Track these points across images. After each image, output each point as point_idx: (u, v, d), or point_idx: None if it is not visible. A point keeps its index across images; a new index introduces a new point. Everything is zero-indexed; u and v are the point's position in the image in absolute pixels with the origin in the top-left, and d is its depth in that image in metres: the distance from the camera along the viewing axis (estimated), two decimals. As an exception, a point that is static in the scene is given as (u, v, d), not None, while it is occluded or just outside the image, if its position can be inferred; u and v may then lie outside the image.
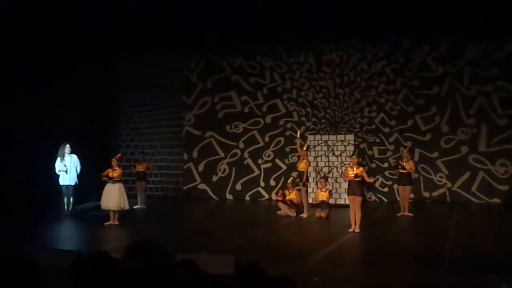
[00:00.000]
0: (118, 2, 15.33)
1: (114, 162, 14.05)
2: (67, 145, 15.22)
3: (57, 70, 16.57)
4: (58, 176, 15.26)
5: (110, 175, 13.88)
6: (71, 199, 15.29)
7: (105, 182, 13.94)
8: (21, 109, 15.49)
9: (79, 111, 17.47)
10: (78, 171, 15.39)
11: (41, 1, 14.25)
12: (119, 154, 15.01)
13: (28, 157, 15.22)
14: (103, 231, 13.45)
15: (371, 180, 13.55)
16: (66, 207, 15.22)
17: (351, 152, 15.60)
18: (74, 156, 15.37)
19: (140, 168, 17.58)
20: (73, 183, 15.28)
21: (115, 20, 16.66)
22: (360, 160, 13.56)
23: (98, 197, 14.46)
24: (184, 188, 20.00)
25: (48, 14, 14.59)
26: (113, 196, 13.79)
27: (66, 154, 15.22)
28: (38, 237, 12.40)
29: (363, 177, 12.66)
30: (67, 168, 15.20)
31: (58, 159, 15.23)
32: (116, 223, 13.86)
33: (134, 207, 16.54)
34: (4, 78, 15.08)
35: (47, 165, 15.28)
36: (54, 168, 15.25)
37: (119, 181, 14.02)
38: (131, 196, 16.52)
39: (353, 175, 12.57)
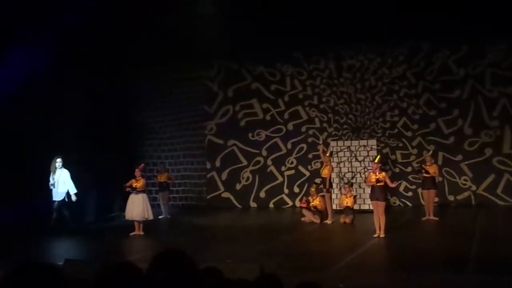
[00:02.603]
0: (138, 10, 15.50)
1: (137, 172, 14.14)
2: (58, 159, 14.46)
3: (77, 82, 16.49)
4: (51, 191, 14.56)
5: (134, 185, 13.96)
6: (64, 214, 14.41)
7: (129, 193, 14.03)
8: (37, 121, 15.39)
9: (102, 122, 17.55)
10: (69, 187, 14.47)
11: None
12: (142, 165, 15.07)
13: (38, 166, 14.75)
14: (128, 242, 13.54)
15: (393, 185, 13.48)
16: (53, 223, 14.28)
17: (373, 157, 15.54)
18: (65, 171, 14.52)
19: (161, 178, 17.68)
20: (60, 199, 14.41)
21: (135, 29, 16.83)
22: (382, 165, 13.44)
23: (123, 207, 14.55)
24: (208, 197, 20.04)
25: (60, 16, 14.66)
26: (137, 207, 13.88)
27: (56, 169, 14.45)
28: (62, 249, 12.54)
29: (385, 182, 12.61)
30: (55, 182, 14.40)
31: (51, 173, 14.51)
32: (141, 233, 13.95)
33: (159, 217, 16.64)
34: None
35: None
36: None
37: (142, 191, 14.09)
38: (155, 207, 16.64)
39: (374, 180, 12.52)
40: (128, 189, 13.98)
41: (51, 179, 14.43)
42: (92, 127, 17.03)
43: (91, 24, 15.04)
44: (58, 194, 14.43)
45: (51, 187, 14.44)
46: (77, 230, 14.52)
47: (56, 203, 14.42)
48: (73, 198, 14.46)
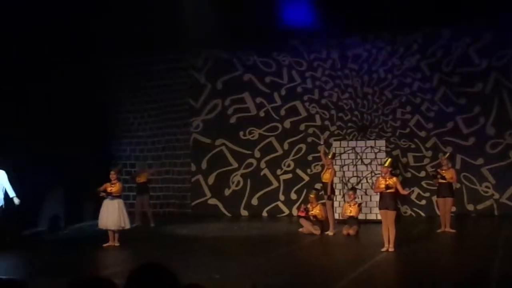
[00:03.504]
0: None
1: (112, 175, 14.08)
2: None
3: (43, 68, 16.34)
4: None
5: (109, 190, 13.92)
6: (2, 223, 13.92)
7: (103, 198, 14.00)
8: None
9: (68, 116, 17.40)
10: (6, 191, 13.94)
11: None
12: (119, 166, 15.05)
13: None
14: (101, 254, 13.50)
15: (405, 192, 13.48)
16: None
17: (382, 160, 15.55)
18: (1, 172, 14.02)
19: (140, 178, 17.61)
20: None
21: (110, 12, 16.79)
22: (392, 169, 13.44)
23: (95, 215, 14.51)
24: (193, 203, 20.03)
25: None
26: (112, 214, 13.84)
27: None
28: (28, 264, 12.50)
29: (396, 189, 12.62)
30: None
31: None
32: (116, 244, 13.92)
33: (133, 225, 16.61)
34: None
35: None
36: None
37: (118, 196, 14.06)
38: (132, 214, 16.62)
39: (384, 187, 12.53)
40: (102, 194, 13.94)
41: None
42: (55, 119, 16.86)
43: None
44: None
45: None
46: (31, 242, 14.44)
47: None
48: (16, 201, 13.93)
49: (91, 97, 18.61)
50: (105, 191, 13.93)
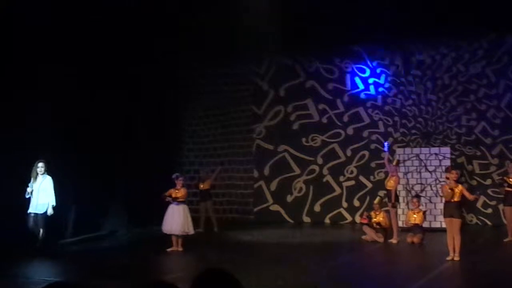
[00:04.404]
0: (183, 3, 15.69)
1: (178, 181, 14.19)
2: (40, 163, 13.59)
3: (104, 74, 16.44)
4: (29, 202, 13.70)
5: (174, 195, 14.03)
6: (41, 231, 13.47)
7: (168, 204, 14.11)
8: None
9: (132, 122, 17.66)
10: (51, 197, 13.62)
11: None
12: (183, 172, 15.15)
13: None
14: (165, 259, 13.62)
15: (474, 197, 13.07)
16: (40, 242, 13.42)
17: (446, 168, 15.26)
18: (48, 178, 13.68)
19: (204, 186, 17.73)
20: (41, 212, 13.54)
21: (171, 16, 16.96)
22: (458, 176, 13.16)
23: (159, 220, 14.61)
24: (255, 209, 20.08)
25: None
26: (176, 219, 13.93)
27: (38, 175, 13.61)
28: (91, 268, 12.67)
29: (462, 197, 12.34)
30: (33, 191, 13.54)
31: (32, 180, 13.64)
32: (180, 249, 14.00)
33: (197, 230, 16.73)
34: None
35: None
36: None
37: (183, 202, 14.16)
38: (196, 219, 16.72)
39: (452, 194, 12.19)
40: (167, 199, 14.04)
41: (29, 187, 13.60)
42: (120, 124, 17.13)
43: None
44: (37, 206, 13.57)
45: (27, 196, 13.57)
46: (94, 246, 14.67)
47: (35, 217, 13.57)
48: (50, 211, 13.60)
49: (157, 104, 18.83)
50: (170, 196, 14.04)
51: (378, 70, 19.21)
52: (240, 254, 13.48)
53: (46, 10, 13.95)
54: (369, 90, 19.26)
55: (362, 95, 19.32)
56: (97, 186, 15.92)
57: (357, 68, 19.38)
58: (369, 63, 19.30)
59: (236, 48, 18.61)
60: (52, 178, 13.73)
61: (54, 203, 13.65)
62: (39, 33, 14.09)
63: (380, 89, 19.16)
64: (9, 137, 13.87)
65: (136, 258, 13.52)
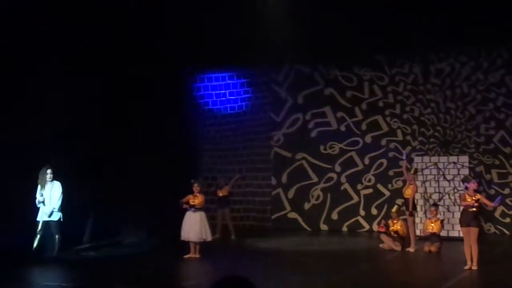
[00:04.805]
0: (200, 9, 15.75)
1: (195, 187, 14.22)
2: (49, 170, 13.60)
3: (125, 85, 16.71)
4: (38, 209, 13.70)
5: (191, 202, 14.05)
6: (56, 238, 13.51)
7: (185, 210, 14.13)
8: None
9: (151, 129, 17.76)
10: (58, 203, 13.65)
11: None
12: (201, 178, 15.17)
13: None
14: (182, 265, 13.65)
15: (493, 204, 12.92)
16: (35, 248, 13.46)
17: (463, 177, 15.15)
18: (57, 184, 13.69)
19: (221, 192, 17.76)
20: (56, 219, 13.59)
21: (193, 28, 17.06)
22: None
23: (177, 227, 14.64)
24: (272, 217, 20.07)
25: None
26: (194, 226, 13.95)
27: (47, 182, 13.62)
28: (106, 274, 12.73)
29: (479, 206, 12.26)
30: (44, 198, 13.57)
31: (39, 187, 13.64)
32: (197, 256, 14.02)
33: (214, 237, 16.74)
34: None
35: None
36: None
37: (200, 209, 14.18)
38: (214, 226, 16.75)
39: (471, 202, 12.10)
40: (184, 206, 14.07)
41: (38, 195, 13.62)
42: (138, 134, 17.25)
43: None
44: (50, 214, 13.60)
45: (39, 205, 13.61)
46: (109, 251, 14.79)
47: (46, 224, 13.58)
48: (54, 216, 13.64)
49: (173, 109, 18.92)
50: (187, 203, 14.06)
51: (396, 78, 19.15)
52: (258, 261, 13.50)
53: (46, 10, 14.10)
54: (387, 98, 19.21)
55: (381, 103, 19.27)
56: (115, 192, 16.01)
57: (375, 76, 19.35)
58: (387, 71, 19.25)
59: (255, 55, 18.66)
60: (62, 183, 13.77)
61: (57, 208, 13.63)
62: (39, 33, 14.22)
63: (399, 97, 19.10)
64: (18, 142, 14.03)
65: (154, 264, 13.55)
